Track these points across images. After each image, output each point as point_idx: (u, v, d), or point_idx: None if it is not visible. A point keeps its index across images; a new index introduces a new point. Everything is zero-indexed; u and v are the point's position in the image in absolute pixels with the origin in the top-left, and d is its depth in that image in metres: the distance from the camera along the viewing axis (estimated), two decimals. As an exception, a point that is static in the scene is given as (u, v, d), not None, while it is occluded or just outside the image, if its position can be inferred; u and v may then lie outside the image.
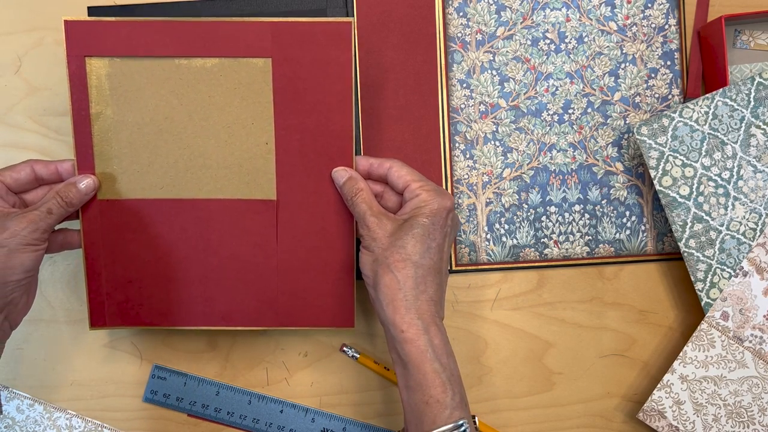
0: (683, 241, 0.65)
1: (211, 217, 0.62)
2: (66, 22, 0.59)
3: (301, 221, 0.62)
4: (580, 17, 0.69)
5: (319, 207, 0.62)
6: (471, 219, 0.69)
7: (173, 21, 0.59)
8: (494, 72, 0.69)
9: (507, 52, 0.69)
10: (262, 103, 0.60)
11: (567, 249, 0.69)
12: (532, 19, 0.69)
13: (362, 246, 0.59)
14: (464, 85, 0.69)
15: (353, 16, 0.67)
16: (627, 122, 0.69)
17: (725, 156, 0.64)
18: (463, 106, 0.69)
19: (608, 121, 0.69)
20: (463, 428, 0.53)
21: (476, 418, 0.58)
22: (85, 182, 0.60)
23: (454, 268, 0.69)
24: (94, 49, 0.59)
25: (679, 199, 0.65)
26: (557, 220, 0.69)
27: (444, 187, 0.69)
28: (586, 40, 0.69)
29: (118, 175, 0.61)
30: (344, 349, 0.68)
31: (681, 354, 0.64)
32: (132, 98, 0.60)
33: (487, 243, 0.69)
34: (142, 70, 0.60)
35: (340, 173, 0.60)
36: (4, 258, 0.56)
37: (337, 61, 0.59)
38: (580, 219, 0.69)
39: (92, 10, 0.67)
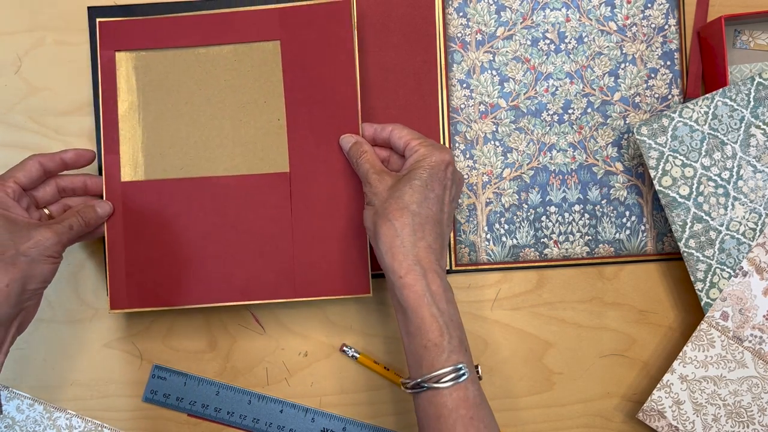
0: (683, 241, 0.65)
1: (228, 193, 0.65)
2: (99, 22, 0.65)
3: (314, 191, 0.65)
4: (579, 17, 0.69)
5: (330, 176, 0.65)
6: (471, 219, 0.69)
7: (192, 15, 0.65)
8: (494, 72, 0.69)
9: (507, 52, 0.69)
10: (273, 83, 0.65)
11: (567, 249, 0.69)
12: (532, 19, 0.69)
13: (365, 203, 0.61)
14: (464, 85, 0.69)
15: (354, 16, 0.67)
16: (627, 122, 0.69)
17: (725, 156, 0.64)
18: (463, 106, 0.69)
19: (608, 121, 0.69)
20: (461, 372, 0.54)
21: (479, 367, 0.58)
22: (103, 207, 0.64)
23: (454, 268, 0.69)
24: (123, 44, 0.65)
25: (679, 199, 0.65)
26: (557, 220, 0.69)
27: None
28: (585, 40, 0.69)
29: (141, 157, 0.65)
30: (344, 349, 0.68)
31: (681, 354, 0.65)
32: (156, 86, 0.66)
33: (487, 243, 0.69)
34: (166, 61, 0.66)
35: (347, 139, 0.64)
36: (26, 267, 0.57)
37: (339, 36, 0.64)
38: (580, 219, 0.69)
39: (92, 11, 0.68)
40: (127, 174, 0.65)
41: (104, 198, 0.65)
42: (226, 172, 0.65)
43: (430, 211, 0.57)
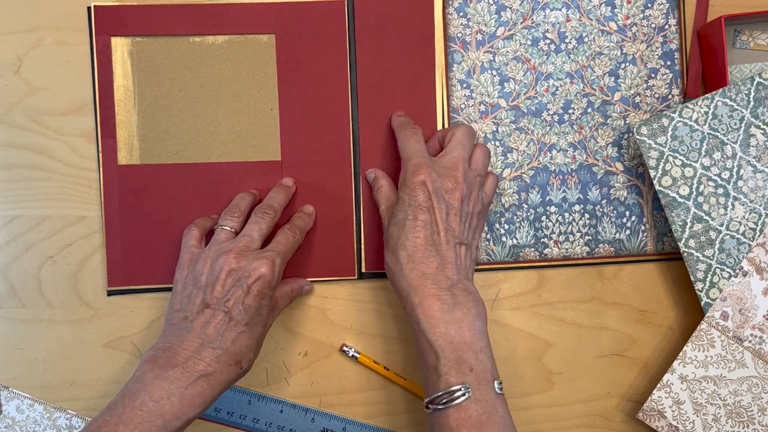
0: (683, 241, 0.65)
1: (221, 179, 0.68)
2: (95, 7, 0.67)
3: (304, 179, 0.68)
4: (580, 17, 0.69)
5: (319, 165, 0.68)
6: (471, 219, 0.69)
7: (188, 4, 0.67)
8: (494, 72, 0.69)
9: (507, 52, 0.69)
10: (267, 74, 0.68)
11: (567, 249, 0.69)
12: (532, 19, 0.69)
13: None
14: (464, 85, 0.69)
15: (352, 16, 0.68)
16: (627, 122, 0.69)
17: (725, 156, 0.64)
18: (463, 106, 0.69)
19: (608, 121, 0.69)
20: (455, 393, 0.54)
21: (498, 382, 0.56)
22: (305, 290, 0.68)
23: (454, 268, 0.69)
24: (119, 29, 0.67)
25: (679, 199, 0.65)
26: (557, 220, 0.69)
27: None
28: (586, 40, 0.69)
29: (137, 142, 0.68)
30: (344, 349, 0.68)
31: (681, 354, 0.65)
32: (151, 73, 0.67)
33: (487, 243, 0.69)
34: (161, 48, 0.67)
35: (369, 174, 0.67)
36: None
37: (333, 35, 0.67)
38: (580, 219, 0.69)
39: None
40: (123, 158, 0.67)
41: (100, 183, 0.67)
42: (220, 158, 0.68)
43: (417, 240, 0.58)
